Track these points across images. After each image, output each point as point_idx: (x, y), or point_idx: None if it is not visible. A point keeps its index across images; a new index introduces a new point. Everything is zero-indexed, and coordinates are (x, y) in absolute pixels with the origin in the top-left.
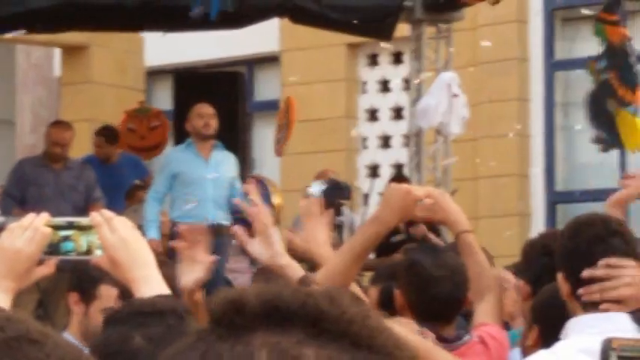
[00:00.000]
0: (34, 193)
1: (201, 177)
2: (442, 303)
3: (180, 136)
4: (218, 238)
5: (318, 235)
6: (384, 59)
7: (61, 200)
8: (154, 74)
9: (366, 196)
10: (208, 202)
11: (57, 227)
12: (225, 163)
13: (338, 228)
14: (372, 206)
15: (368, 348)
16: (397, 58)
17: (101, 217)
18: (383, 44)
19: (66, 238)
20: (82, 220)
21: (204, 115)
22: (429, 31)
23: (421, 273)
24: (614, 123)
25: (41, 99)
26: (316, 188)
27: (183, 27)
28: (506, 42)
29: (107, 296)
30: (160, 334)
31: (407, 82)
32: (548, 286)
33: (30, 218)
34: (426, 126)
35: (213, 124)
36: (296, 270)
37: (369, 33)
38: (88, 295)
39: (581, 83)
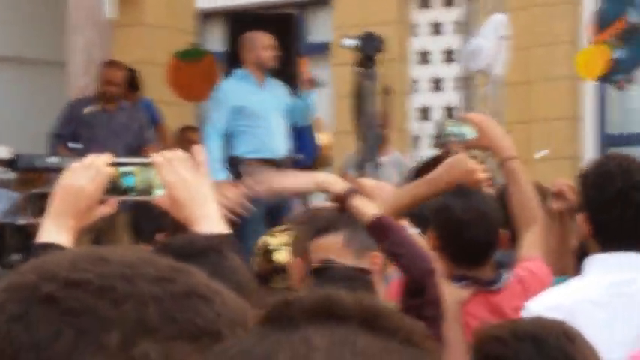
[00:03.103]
0: (86, 133)
1: (265, 108)
2: (472, 246)
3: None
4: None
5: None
6: (436, 2)
7: (113, 141)
8: (206, 16)
9: (416, 139)
10: (276, 134)
11: (118, 165)
12: (281, 91)
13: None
14: (423, 149)
15: (416, 345)
16: (449, 1)
17: (162, 157)
18: None
19: (126, 174)
20: (143, 160)
21: (269, 47)
22: None
23: (451, 217)
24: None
25: (93, 41)
26: (351, 41)
27: None
28: None
29: None
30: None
31: (459, 25)
32: None
33: (92, 158)
34: (475, 68)
35: (274, 54)
36: (334, 185)
37: None
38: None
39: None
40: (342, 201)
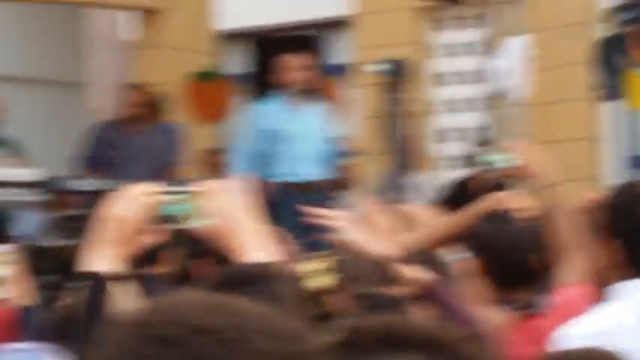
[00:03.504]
0: (111, 155)
1: (294, 131)
2: (517, 270)
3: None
4: (310, 194)
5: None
6: (453, 23)
7: (135, 163)
8: (227, 37)
9: (433, 160)
10: (302, 158)
11: (162, 193)
12: (316, 115)
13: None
14: (441, 170)
15: None
16: (466, 22)
17: (207, 185)
18: (453, 8)
19: (171, 203)
20: (188, 188)
21: (300, 68)
22: None
23: (492, 241)
24: (618, 77)
25: (111, 62)
26: (377, 67)
27: None
28: (572, 7)
29: None
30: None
31: (476, 47)
32: None
33: (136, 187)
34: (498, 88)
35: (306, 77)
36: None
37: None
38: None
39: None
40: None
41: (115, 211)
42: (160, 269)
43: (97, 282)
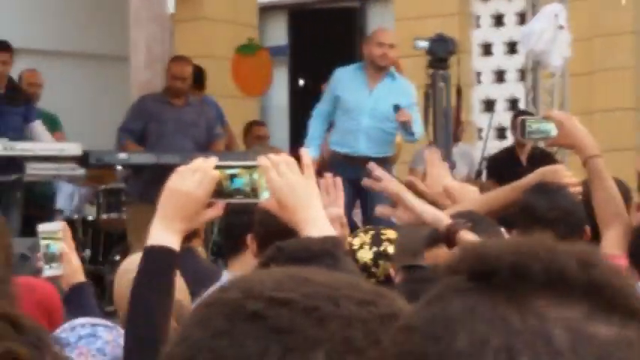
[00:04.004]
0: (154, 129)
1: (360, 106)
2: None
3: (295, 72)
4: (360, 169)
5: (440, 182)
6: None
7: (181, 136)
8: (267, 10)
9: (480, 130)
10: (361, 134)
11: (224, 168)
12: (393, 93)
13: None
14: (488, 140)
15: None
16: None
17: (269, 159)
18: None
19: (234, 177)
20: (249, 163)
21: (384, 45)
22: None
23: (534, 215)
24: None
25: (155, 35)
26: (423, 43)
27: None
28: None
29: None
30: None
31: (521, 16)
32: None
33: (199, 161)
34: (528, 49)
35: (391, 54)
36: (441, 221)
37: None
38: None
39: None
40: (449, 236)
41: (182, 185)
42: (196, 243)
43: (167, 256)
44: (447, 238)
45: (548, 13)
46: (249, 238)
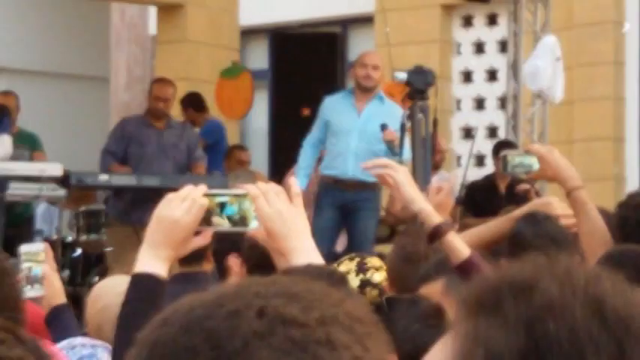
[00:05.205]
0: (136, 151)
1: (348, 128)
2: None
3: (277, 95)
4: (358, 192)
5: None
6: (479, 21)
7: (162, 159)
8: (249, 33)
9: (459, 158)
10: (350, 155)
11: (213, 195)
12: (381, 115)
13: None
14: (466, 168)
15: None
16: (492, 20)
17: (257, 188)
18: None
19: (223, 204)
20: (238, 191)
21: (367, 65)
22: None
23: (522, 243)
24: None
25: (135, 57)
26: (402, 75)
27: None
28: (601, 5)
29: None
30: None
31: (502, 44)
32: None
33: (188, 189)
34: (536, 88)
35: (375, 75)
36: (431, 217)
37: None
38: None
39: None
40: (436, 234)
41: (170, 213)
42: (206, 267)
43: (154, 284)
44: (433, 236)
45: (546, 46)
46: (231, 259)
